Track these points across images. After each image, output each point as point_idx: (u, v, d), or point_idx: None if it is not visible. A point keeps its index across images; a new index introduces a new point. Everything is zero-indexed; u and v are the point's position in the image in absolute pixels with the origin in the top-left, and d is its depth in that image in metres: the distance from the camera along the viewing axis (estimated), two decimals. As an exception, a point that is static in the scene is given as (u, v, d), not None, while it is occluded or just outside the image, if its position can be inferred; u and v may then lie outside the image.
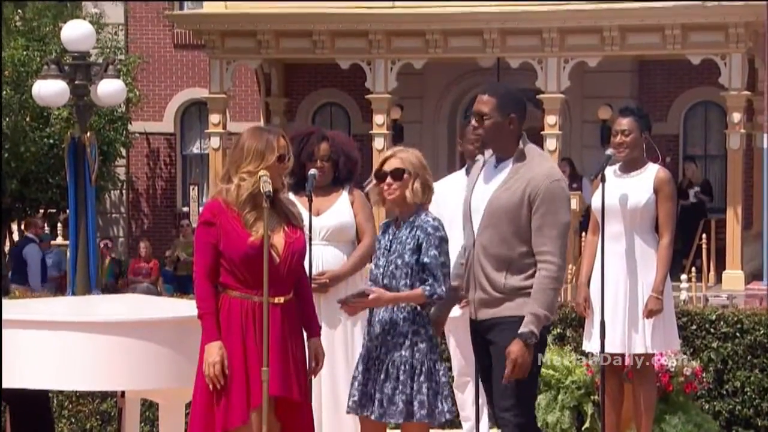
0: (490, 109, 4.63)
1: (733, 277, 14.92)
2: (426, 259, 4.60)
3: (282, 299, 4.42)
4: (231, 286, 4.42)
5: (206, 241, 4.42)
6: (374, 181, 4.74)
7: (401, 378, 4.59)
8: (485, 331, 4.70)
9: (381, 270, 4.69)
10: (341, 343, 5.45)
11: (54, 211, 17.25)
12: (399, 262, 4.64)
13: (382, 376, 4.62)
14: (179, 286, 15.61)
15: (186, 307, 5.00)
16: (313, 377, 4.69)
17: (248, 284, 4.40)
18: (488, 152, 4.80)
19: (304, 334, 4.55)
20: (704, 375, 6.94)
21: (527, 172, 4.61)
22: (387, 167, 4.68)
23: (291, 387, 4.40)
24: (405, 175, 4.66)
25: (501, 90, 4.74)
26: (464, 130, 5.96)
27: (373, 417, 4.65)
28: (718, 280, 15.13)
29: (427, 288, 4.61)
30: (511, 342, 4.50)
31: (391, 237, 4.72)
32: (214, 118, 16.37)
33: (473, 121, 4.70)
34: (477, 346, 4.79)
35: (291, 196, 5.03)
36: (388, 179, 4.67)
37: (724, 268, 15.12)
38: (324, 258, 5.49)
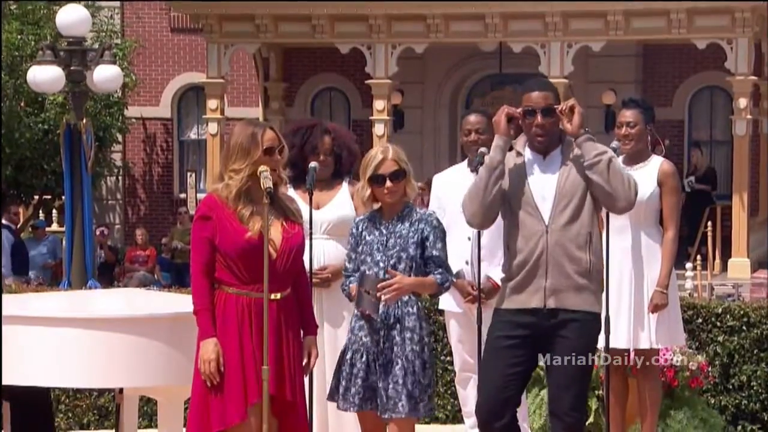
0: (554, 102, 4.75)
1: (739, 264, 14.83)
2: (435, 252, 4.74)
3: (279, 295, 4.38)
4: (227, 282, 4.38)
5: (202, 236, 4.38)
6: (365, 185, 4.74)
7: (416, 371, 4.66)
8: (555, 322, 4.67)
9: (381, 266, 4.70)
10: (344, 339, 5.34)
11: (49, 197, 17.12)
12: (403, 255, 4.72)
13: (395, 370, 4.66)
14: (177, 274, 15.51)
15: (185, 303, 4.92)
16: (305, 375, 4.60)
17: (244, 280, 4.36)
18: (519, 145, 4.83)
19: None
20: (710, 369, 6.86)
21: None
22: (384, 170, 4.71)
23: (284, 385, 4.37)
24: (404, 175, 4.76)
25: (545, 81, 4.97)
26: (464, 121, 5.84)
27: (382, 414, 4.67)
28: (724, 268, 15.03)
29: (438, 276, 4.73)
30: (581, 340, 4.67)
31: (385, 232, 4.74)
32: (212, 103, 16.23)
33: (540, 118, 4.70)
34: (527, 336, 4.70)
35: (291, 190, 4.96)
36: (388, 183, 4.72)
37: (730, 256, 15.02)
38: (325, 252, 5.42)
